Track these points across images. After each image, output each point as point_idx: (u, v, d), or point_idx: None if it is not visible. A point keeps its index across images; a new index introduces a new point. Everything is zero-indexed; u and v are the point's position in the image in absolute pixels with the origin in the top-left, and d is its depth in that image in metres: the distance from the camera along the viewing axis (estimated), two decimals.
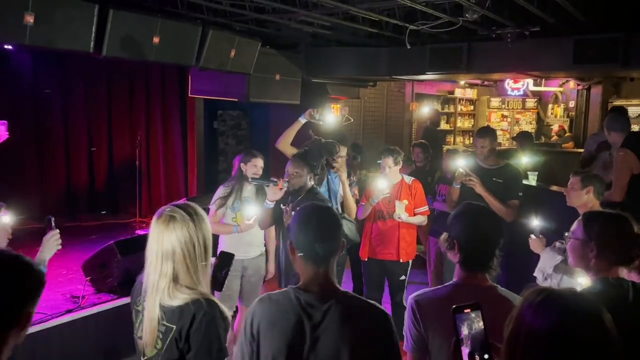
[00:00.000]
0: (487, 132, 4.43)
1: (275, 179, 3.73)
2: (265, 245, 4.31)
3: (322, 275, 1.80)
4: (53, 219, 2.64)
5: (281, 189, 3.68)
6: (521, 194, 4.23)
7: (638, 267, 2.03)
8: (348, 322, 1.73)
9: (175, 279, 1.81)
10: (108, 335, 4.21)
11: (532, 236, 3.17)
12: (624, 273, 1.96)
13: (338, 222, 1.89)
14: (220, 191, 4.15)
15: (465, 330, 1.25)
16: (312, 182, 3.81)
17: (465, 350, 1.23)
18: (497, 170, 4.25)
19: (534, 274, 3.05)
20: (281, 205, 3.76)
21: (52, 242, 2.57)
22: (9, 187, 6.73)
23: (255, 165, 4.15)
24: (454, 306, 1.28)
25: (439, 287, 2.02)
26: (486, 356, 1.24)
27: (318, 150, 4.21)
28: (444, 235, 2.04)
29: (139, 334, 1.93)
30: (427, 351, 1.90)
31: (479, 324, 1.25)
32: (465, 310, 1.26)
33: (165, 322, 1.82)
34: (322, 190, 4.46)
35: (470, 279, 1.94)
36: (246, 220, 3.90)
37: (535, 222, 3.19)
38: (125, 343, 4.26)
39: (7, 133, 5.68)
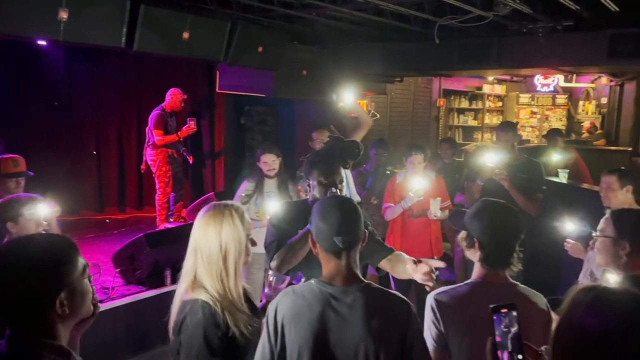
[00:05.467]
0: (510, 126, 4.55)
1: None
2: None
3: (344, 267, 1.78)
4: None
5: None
6: (545, 187, 4.19)
7: None
8: (372, 313, 1.73)
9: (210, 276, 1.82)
10: (136, 326, 4.28)
11: (570, 240, 3.02)
12: None
13: (358, 213, 1.84)
14: (245, 186, 4.16)
15: (502, 330, 1.24)
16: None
17: (505, 351, 1.23)
18: (519, 165, 4.22)
19: (579, 279, 2.83)
20: None
21: None
22: (41, 180, 6.90)
23: (266, 162, 4.06)
24: (491, 306, 1.27)
25: (458, 285, 1.98)
26: (520, 356, 1.23)
27: (339, 151, 3.67)
28: (462, 234, 2.00)
29: None
30: (447, 350, 1.88)
31: (515, 324, 1.25)
32: (502, 310, 1.26)
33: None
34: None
35: (490, 277, 1.91)
36: (267, 215, 3.90)
37: (571, 225, 3.01)
38: (153, 334, 4.35)
39: (196, 127, 6.00)
